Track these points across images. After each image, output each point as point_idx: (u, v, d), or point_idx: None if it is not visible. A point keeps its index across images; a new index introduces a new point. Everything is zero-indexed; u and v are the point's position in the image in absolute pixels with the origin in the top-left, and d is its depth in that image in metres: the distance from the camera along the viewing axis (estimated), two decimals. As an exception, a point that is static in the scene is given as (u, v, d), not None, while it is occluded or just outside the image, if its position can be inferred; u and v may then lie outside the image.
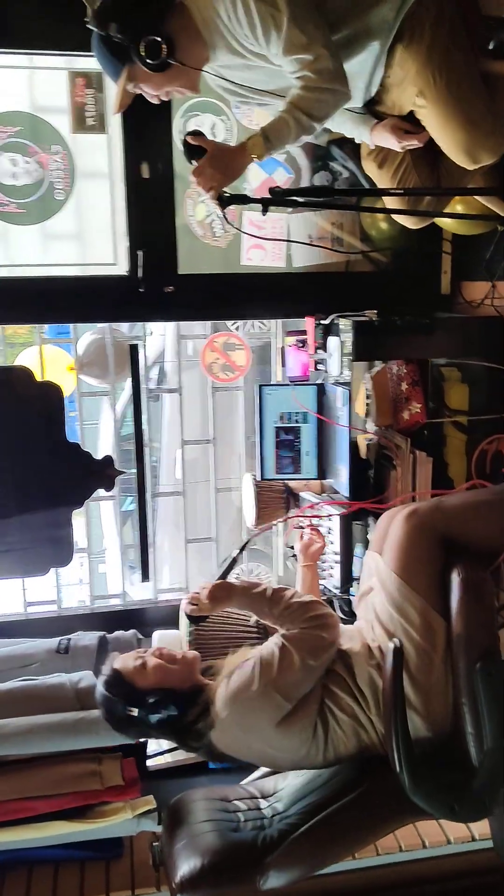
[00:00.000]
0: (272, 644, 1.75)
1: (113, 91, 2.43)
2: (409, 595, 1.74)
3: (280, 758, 1.77)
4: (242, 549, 2.01)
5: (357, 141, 2.14)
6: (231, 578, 1.98)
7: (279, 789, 1.93)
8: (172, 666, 1.77)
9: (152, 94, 1.88)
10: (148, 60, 1.76)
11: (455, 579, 1.71)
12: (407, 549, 1.78)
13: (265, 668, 1.70)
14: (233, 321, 3.11)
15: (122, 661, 1.80)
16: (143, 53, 1.75)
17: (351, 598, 2.48)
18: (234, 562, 1.96)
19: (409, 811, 1.68)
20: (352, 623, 2.31)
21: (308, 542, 2.36)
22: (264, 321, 2.95)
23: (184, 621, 2.58)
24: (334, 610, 2.50)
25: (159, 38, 1.74)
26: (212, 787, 2.02)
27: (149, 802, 2.07)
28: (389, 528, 1.84)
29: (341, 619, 2.50)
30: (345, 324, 2.48)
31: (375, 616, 1.82)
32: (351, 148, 2.67)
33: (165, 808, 1.93)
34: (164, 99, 1.91)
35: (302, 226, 2.73)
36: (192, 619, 1.86)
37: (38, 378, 2.65)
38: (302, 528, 2.59)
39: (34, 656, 2.30)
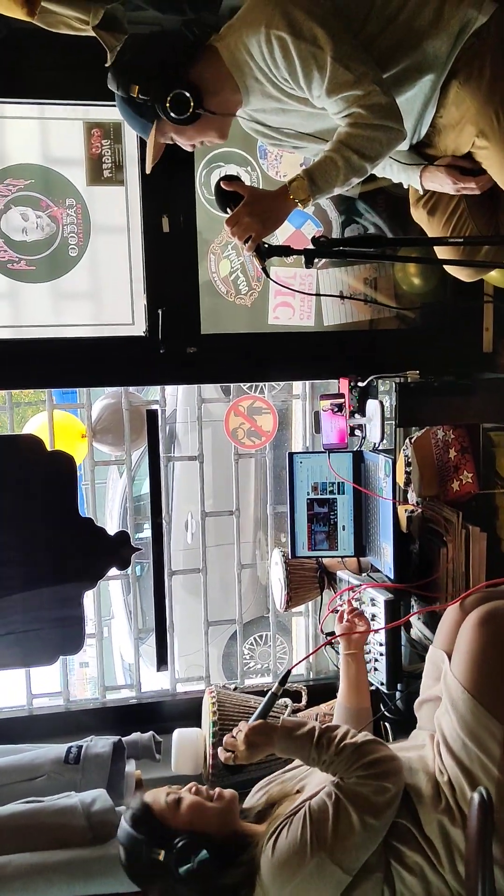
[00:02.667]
0: (324, 797, 1.45)
1: (133, 139, 2.33)
2: (486, 721, 1.46)
3: None
4: (283, 681, 1.68)
5: (405, 185, 1.96)
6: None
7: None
8: (210, 804, 1.48)
9: (186, 144, 1.77)
10: (176, 117, 1.65)
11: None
12: (482, 662, 1.50)
13: (317, 833, 1.40)
14: (248, 384, 2.91)
15: (153, 795, 1.51)
16: (170, 112, 1.65)
17: (398, 692, 2.20)
18: (273, 698, 1.65)
19: None
20: (403, 726, 2.03)
21: (349, 627, 2.06)
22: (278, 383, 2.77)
23: (207, 720, 2.30)
24: (379, 710, 2.22)
25: (185, 92, 1.63)
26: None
27: None
28: (460, 629, 1.57)
29: (388, 718, 2.22)
30: (384, 385, 2.27)
31: (443, 739, 1.53)
32: (383, 199, 2.52)
33: None
34: (199, 147, 1.78)
35: (332, 284, 2.54)
36: (229, 769, 1.58)
37: (49, 447, 2.42)
38: (339, 611, 2.32)
39: (41, 768, 2.00)
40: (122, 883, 1.57)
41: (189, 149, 1.81)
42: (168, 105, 1.64)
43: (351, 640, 2.01)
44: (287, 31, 1.55)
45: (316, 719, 2.22)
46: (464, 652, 1.53)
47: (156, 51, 1.68)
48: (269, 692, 1.66)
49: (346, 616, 2.05)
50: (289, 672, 1.72)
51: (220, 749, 1.57)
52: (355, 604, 2.25)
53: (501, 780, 1.42)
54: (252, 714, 2.28)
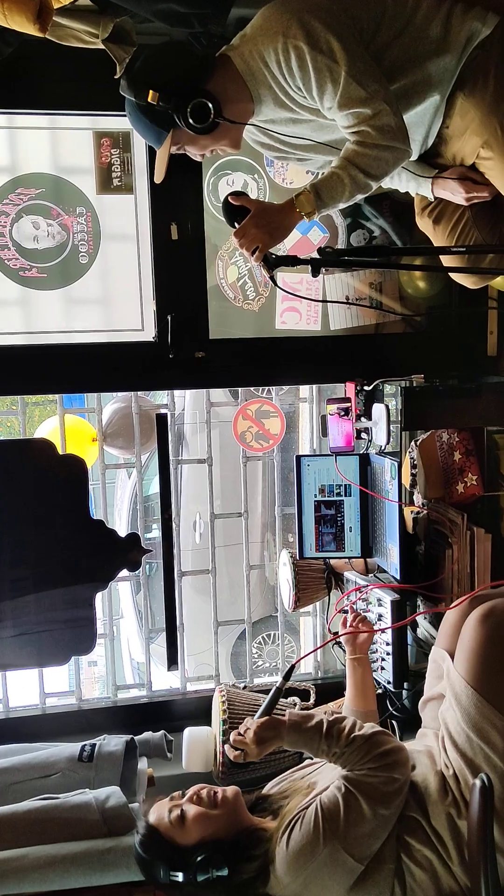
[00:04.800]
0: (334, 790, 1.50)
1: (141, 148, 2.37)
2: (489, 713, 1.50)
3: None
4: (287, 676, 1.72)
5: (412, 194, 1.99)
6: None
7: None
8: (215, 812, 1.52)
9: (197, 154, 1.78)
10: (196, 125, 1.65)
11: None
12: (484, 657, 1.54)
13: (329, 823, 1.44)
14: (256, 387, 2.94)
15: (156, 815, 1.54)
16: (190, 120, 1.64)
17: (405, 691, 2.24)
18: (278, 693, 1.69)
19: None
20: (410, 724, 2.07)
21: (353, 632, 2.10)
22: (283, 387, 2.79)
23: (217, 718, 2.34)
24: (386, 709, 2.26)
25: (206, 101, 1.63)
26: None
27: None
28: (462, 628, 1.61)
29: (394, 716, 2.26)
30: (390, 389, 2.30)
31: (447, 734, 1.57)
32: (388, 204, 2.55)
33: None
34: (209, 156, 1.80)
35: (338, 288, 2.58)
36: (237, 766, 1.61)
37: (60, 451, 2.47)
38: (346, 612, 2.36)
39: (55, 765, 2.04)
40: (137, 874, 1.62)
41: (199, 158, 1.82)
42: (189, 113, 1.64)
43: (356, 644, 2.04)
44: (304, 41, 1.56)
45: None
46: (466, 648, 1.57)
47: (173, 60, 1.68)
48: (274, 688, 1.70)
49: (349, 621, 2.08)
50: (293, 667, 1.76)
51: (227, 746, 1.60)
52: (361, 604, 2.29)
53: None
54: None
